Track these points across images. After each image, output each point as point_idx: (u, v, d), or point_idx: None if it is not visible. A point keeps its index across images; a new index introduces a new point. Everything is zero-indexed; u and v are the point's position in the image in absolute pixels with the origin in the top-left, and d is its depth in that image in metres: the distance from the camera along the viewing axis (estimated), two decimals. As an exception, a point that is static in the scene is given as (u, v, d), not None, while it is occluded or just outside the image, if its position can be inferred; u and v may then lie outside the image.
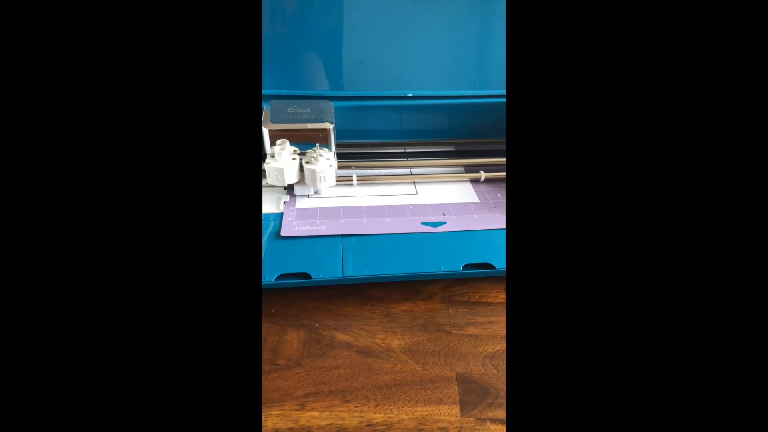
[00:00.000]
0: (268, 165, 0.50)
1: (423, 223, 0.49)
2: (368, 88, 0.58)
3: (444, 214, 0.50)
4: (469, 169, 0.58)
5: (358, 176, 0.55)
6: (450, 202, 0.53)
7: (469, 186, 0.56)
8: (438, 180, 0.57)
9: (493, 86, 0.58)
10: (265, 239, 0.47)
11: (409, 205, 0.52)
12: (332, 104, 0.53)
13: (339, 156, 0.57)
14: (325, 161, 0.50)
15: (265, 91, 0.57)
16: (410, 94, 0.59)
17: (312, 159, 0.50)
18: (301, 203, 0.52)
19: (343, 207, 0.52)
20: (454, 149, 0.62)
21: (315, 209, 0.51)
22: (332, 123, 0.50)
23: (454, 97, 0.59)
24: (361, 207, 0.52)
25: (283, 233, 0.47)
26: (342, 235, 0.47)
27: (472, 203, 0.52)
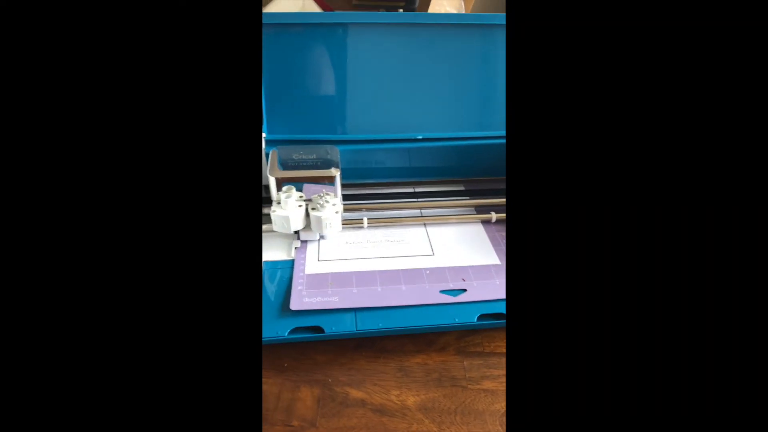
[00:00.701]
0: (274, 213, 0.49)
1: (442, 292, 0.45)
2: (377, 132, 0.58)
3: (464, 280, 0.47)
4: (480, 209, 0.57)
5: (368, 219, 0.55)
6: (469, 264, 0.49)
7: (481, 230, 0.55)
8: (449, 222, 0.56)
9: (499, 127, 0.59)
10: (275, 286, 0.47)
11: (426, 269, 0.48)
12: (338, 149, 0.52)
13: (347, 197, 0.56)
14: (331, 207, 0.50)
15: (271, 136, 0.57)
16: (420, 137, 0.58)
17: (318, 205, 0.50)
18: (311, 267, 0.49)
19: (355, 272, 0.48)
20: (463, 188, 0.61)
21: (326, 275, 0.48)
22: (338, 169, 0.50)
23: (461, 139, 0.59)
24: (375, 272, 0.48)
25: (293, 306, 0.43)
26: (356, 309, 0.44)
27: (492, 265, 0.49)
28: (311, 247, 0.52)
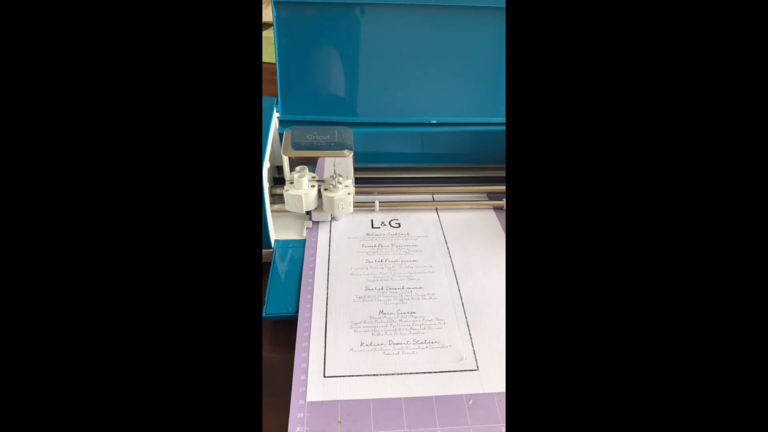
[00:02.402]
0: (287, 192, 0.49)
1: None
2: (390, 115, 0.58)
3: None
4: (492, 196, 0.57)
5: (380, 202, 0.55)
6: None
7: (494, 216, 0.55)
8: (460, 207, 0.56)
9: None
10: (286, 265, 0.47)
11: (468, 397, 0.36)
12: (352, 131, 0.52)
13: (359, 181, 0.56)
14: (343, 189, 0.50)
15: (285, 116, 0.57)
16: (434, 121, 0.58)
17: (331, 186, 0.50)
18: (315, 389, 0.36)
19: (373, 400, 0.36)
20: (476, 174, 0.61)
21: (334, 405, 0.35)
22: (352, 150, 0.50)
23: (476, 124, 0.58)
24: (400, 401, 0.36)
25: None
26: None
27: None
28: (316, 360, 0.39)
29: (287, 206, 0.50)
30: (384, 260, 0.49)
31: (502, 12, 0.53)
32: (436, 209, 0.56)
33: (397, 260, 0.49)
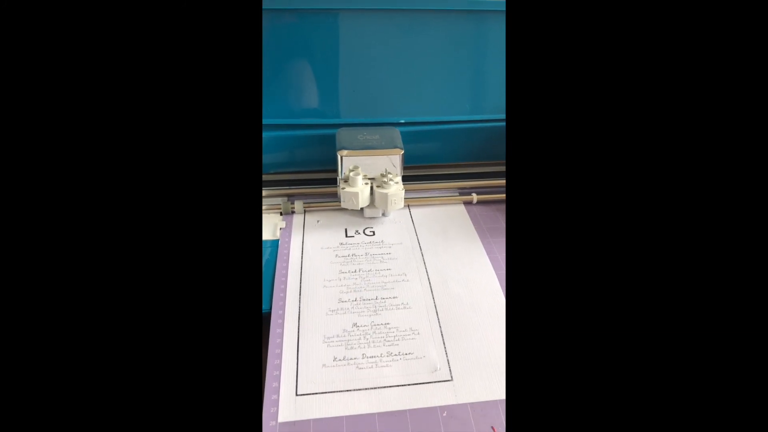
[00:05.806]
0: (343, 190, 0.50)
1: None
2: (366, 116, 0.59)
3: (494, 429, 0.35)
4: (462, 192, 0.63)
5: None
6: (498, 397, 0.37)
7: (464, 211, 0.60)
8: (432, 203, 0.61)
9: (486, 111, 0.62)
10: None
11: (442, 409, 0.36)
12: (398, 130, 0.55)
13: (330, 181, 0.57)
14: (395, 185, 0.52)
15: (266, 120, 0.56)
16: (402, 121, 0.61)
17: (383, 183, 0.52)
18: (286, 409, 0.36)
19: (346, 417, 0.35)
20: (447, 171, 0.65)
21: (306, 424, 0.35)
22: (402, 149, 0.53)
23: (446, 123, 0.62)
24: (374, 416, 0.36)
25: None
26: None
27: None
28: (288, 378, 0.38)
29: (343, 204, 0.51)
30: (358, 270, 0.49)
31: (475, 15, 0.56)
32: (408, 206, 0.59)
33: (371, 269, 0.49)
